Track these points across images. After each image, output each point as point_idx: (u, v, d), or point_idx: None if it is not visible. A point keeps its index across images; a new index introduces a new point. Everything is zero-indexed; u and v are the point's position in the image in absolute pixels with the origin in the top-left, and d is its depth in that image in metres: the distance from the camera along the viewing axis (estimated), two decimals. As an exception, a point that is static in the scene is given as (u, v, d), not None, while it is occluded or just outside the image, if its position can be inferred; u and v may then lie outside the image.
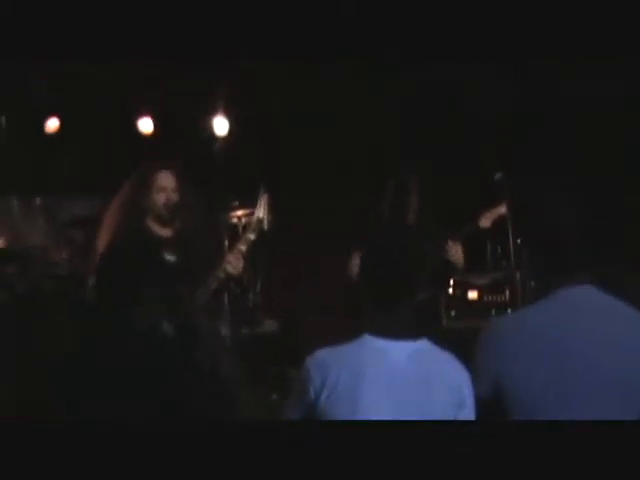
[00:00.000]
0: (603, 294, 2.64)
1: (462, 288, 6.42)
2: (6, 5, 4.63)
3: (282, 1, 4.83)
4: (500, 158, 6.02)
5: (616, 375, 2.48)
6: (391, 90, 6.77)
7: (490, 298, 6.38)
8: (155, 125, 7.31)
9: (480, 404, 2.68)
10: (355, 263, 5.33)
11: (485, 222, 5.41)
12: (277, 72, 6.29)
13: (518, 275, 5.75)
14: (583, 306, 2.58)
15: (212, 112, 7.35)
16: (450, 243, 5.31)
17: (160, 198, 4.56)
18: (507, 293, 6.31)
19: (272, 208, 4.79)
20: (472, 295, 6.42)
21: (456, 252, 5.33)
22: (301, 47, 5.15)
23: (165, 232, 4.64)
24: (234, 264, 4.54)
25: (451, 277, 6.06)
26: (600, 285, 2.63)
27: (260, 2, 4.82)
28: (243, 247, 4.61)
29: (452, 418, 2.69)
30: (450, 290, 6.41)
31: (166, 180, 4.61)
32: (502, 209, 5.38)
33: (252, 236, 4.65)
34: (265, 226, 4.74)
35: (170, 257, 4.54)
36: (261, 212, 4.72)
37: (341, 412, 2.61)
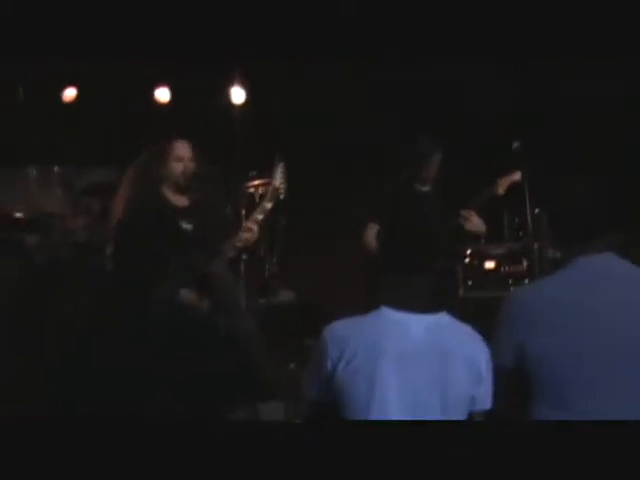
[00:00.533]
0: (624, 261, 2.62)
1: (479, 258, 6.40)
2: (6, 5, 4.64)
3: (282, 1, 4.83)
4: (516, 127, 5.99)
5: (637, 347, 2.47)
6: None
7: (507, 268, 6.36)
8: (172, 94, 7.30)
9: (501, 374, 2.67)
10: (371, 234, 5.33)
11: (499, 189, 5.40)
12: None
13: (535, 245, 5.74)
14: (605, 274, 2.57)
15: (229, 81, 7.33)
16: (466, 212, 5.29)
17: (177, 167, 4.57)
18: (524, 263, 6.29)
19: (288, 177, 4.79)
20: (489, 265, 6.39)
21: (473, 220, 5.32)
22: (301, 47, 5.14)
23: (181, 201, 4.64)
24: (251, 232, 4.54)
25: (468, 247, 6.03)
26: (619, 253, 2.62)
27: (260, 2, 4.82)
28: (260, 216, 4.61)
29: (470, 392, 2.68)
30: (467, 260, 6.39)
31: (183, 149, 4.61)
32: (516, 176, 5.36)
33: (269, 205, 4.65)
34: (282, 195, 4.74)
35: (186, 226, 4.55)
36: (278, 181, 4.72)
37: (358, 385, 2.60)
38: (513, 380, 2.64)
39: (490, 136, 6.71)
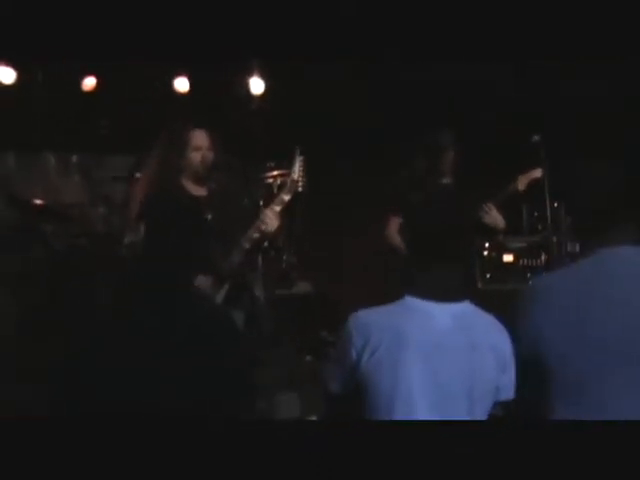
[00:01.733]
0: None
1: (498, 251, 6.39)
2: (6, 5, 4.66)
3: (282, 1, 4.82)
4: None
5: None
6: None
7: (526, 261, 6.35)
8: (191, 84, 7.30)
9: (520, 363, 2.65)
10: (393, 227, 5.34)
11: (521, 185, 5.38)
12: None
13: (554, 238, 5.72)
14: (626, 265, 2.55)
15: (248, 72, 7.33)
16: (487, 207, 5.29)
17: (196, 157, 4.57)
18: (543, 256, 6.27)
19: (308, 169, 4.79)
20: (507, 258, 6.38)
21: (492, 214, 5.31)
22: (301, 47, 5.14)
23: (199, 191, 4.65)
24: (269, 223, 4.54)
25: (488, 241, 6.03)
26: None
27: (260, 2, 4.81)
28: (278, 207, 4.60)
29: (495, 382, 2.67)
30: (486, 253, 6.38)
31: (201, 139, 4.61)
32: (538, 172, 5.35)
33: (287, 197, 4.64)
34: (300, 187, 4.74)
35: (205, 216, 4.56)
36: (296, 173, 4.71)
37: (382, 374, 2.59)
38: (530, 371, 2.62)
39: (508, 131, 6.70)
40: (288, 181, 4.72)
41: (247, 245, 4.55)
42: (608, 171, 2.68)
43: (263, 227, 4.53)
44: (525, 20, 4.86)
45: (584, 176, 2.73)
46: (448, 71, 6.39)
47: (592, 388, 2.47)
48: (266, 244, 4.86)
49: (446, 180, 5.52)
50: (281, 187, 4.88)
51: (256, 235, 4.55)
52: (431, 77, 6.60)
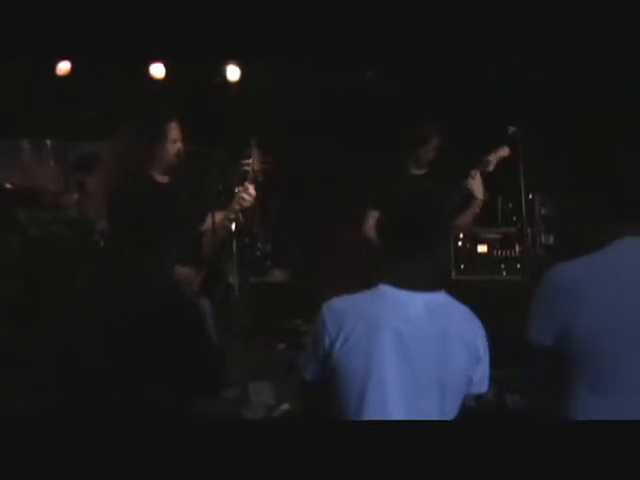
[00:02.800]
0: None
1: (472, 242, 6.41)
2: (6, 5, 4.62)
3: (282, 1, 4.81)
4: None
5: None
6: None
7: (500, 252, 6.37)
8: (167, 70, 7.25)
9: (539, 353, 2.63)
10: (371, 221, 5.36)
11: (504, 152, 5.36)
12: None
13: (528, 230, 5.74)
14: None
15: (224, 59, 7.29)
16: (471, 174, 5.30)
17: (173, 149, 4.58)
18: (517, 248, 6.29)
19: (265, 151, 4.82)
20: (482, 249, 6.40)
21: (477, 181, 5.31)
22: (301, 46, 5.13)
23: (169, 180, 4.66)
24: (247, 196, 4.56)
25: (461, 230, 6.02)
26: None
27: (260, 2, 4.80)
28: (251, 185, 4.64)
29: (467, 375, 2.68)
30: (460, 243, 6.40)
31: (177, 131, 4.62)
32: (504, 151, 5.35)
33: (251, 191, 4.67)
34: (256, 167, 4.76)
35: (177, 205, 4.56)
36: (255, 156, 4.75)
37: (356, 362, 2.60)
38: (548, 360, 2.60)
39: (487, 123, 6.71)
40: (250, 165, 4.75)
41: (222, 232, 4.57)
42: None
43: (238, 206, 4.58)
44: (525, 19, 4.88)
45: (605, 163, 2.71)
46: (425, 64, 6.40)
47: (623, 378, 2.47)
48: (237, 221, 4.83)
49: (422, 171, 5.56)
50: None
51: (232, 215, 4.59)
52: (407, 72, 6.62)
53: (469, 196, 5.36)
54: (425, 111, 6.13)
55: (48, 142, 7.51)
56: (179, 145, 4.60)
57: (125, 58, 6.66)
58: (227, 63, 7.25)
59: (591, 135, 5.69)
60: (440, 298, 2.74)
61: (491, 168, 5.38)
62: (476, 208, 5.52)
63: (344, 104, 7.12)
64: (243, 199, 4.59)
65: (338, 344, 2.62)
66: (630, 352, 2.46)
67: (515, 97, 6.54)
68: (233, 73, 7.30)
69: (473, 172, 5.33)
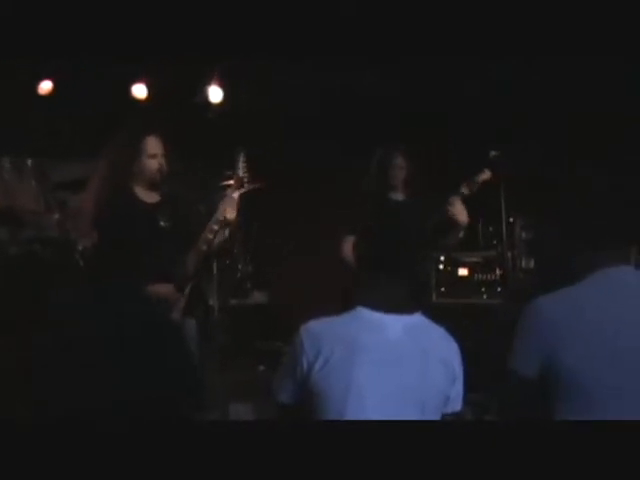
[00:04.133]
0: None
1: (453, 265, 6.43)
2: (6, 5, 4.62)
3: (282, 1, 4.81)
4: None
5: None
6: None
7: (480, 276, 6.39)
8: (149, 91, 7.25)
9: (522, 384, 2.61)
10: (348, 246, 5.33)
11: (486, 175, 5.34)
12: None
13: (509, 254, 5.76)
14: (629, 284, 2.56)
15: (207, 80, 7.29)
16: (451, 200, 5.26)
17: (152, 164, 4.56)
18: (497, 271, 6.32)
19: (253, 168, 4.82)
20: (462, 272, 6.43)
21: (457, 207, 5.26)
22: (301, 46, 5.14)
23: (152, 197, 4.65)
24: (229, 210, 4.55)
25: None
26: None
27: (260, 1, 4.80)
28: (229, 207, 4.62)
29: (445, 393, 2.69)
30: (441, 266, 6.42)
31: (156, 146, 4.61)
32: (486, 175, 5.33)
33: (235, 194, 4.68)
34: (245, 184, 4.76)
35: (159, 222, 4.56)
36: (240, 171, 4.74)
37: (334, 385, 2.59)
38: (533, 390, 2.60)
39: (466, 146, 6.72)
40: (234, 179, 4.74)
41: (204, 247, 4.55)
42: (609, 186, 2.68)
43: (216, 225, 4.55)
44: (526, 18, 4.88)
45: (584, 189, 2.71)
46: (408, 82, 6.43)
47: (604, 408, 2.47)
48: (218, 240, 4.83)
49: (397, 195, 5.53)
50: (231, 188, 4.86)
51: (211, 235, 4.55)
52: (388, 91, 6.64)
53: (451, 220, 5.31)
54: (422, 111, 6.14)
55: (29, 161, 7.48)
56: (160, 160, 4.59)
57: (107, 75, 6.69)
58: (209, 84, 7.26)
59: (591, 138, 5.71)
60: (417, 320, 2.75)
61: (473, 190, 5.37)
62: (458, 233, 5.50)
63: (344, 104, 7.12)
64: (225, 211, 4.57)
65: (317, 367, 2.61)
66: (615, 382, 2.46)
67: (515, 97, 6.57)
68: (215, 95, 7.31)
69: (452, 199, 5.28)
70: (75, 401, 3.10)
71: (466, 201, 5.34)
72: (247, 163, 4.77)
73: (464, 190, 5.31)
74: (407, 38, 5.09)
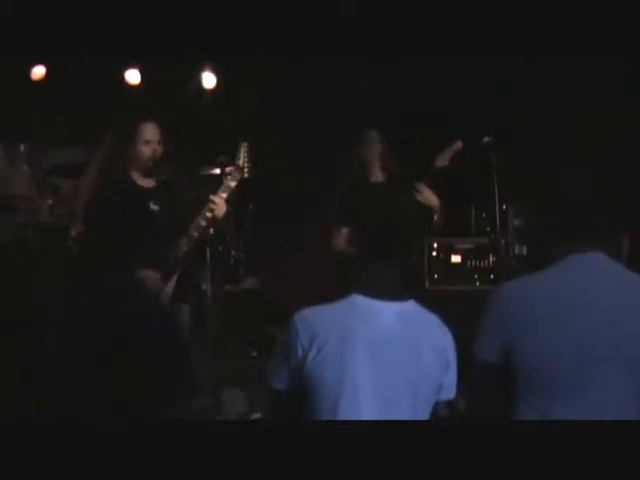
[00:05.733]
0: (613, 261, 2.61)
1: (445, 251, 6.42)
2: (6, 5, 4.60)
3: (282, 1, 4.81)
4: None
5: (631, 342, 2.47)
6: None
7: (473, 263, 6.39)
8: (142, 77, 7.23)
9: (484, 369, 2.64)
10: (341, 235, 5.35)
11: (443, 161, 5.36)
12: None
13: (502, 240, 5.76)
14: (597, 271, 2.56)
15: (200, 66, 7.27)
16: (418, 185, 5.27)
17: (146, 150, 4.58)
18: (490, 258, 6.32)
19: (254, 158, 4.83)
20: (455, 259, 6.42)
21: (425, 193, 5.28)
22: (300, 46, 5.13)
23: (148, 183, 4.67)
24: (216, 209, 4.57)
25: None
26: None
27: (260, 1, 4.79)
28: (224, 194, 4.65)
29: (438, 380, 2.70)
30: (434, 253, 6.41)
31: (152, 132, 4.63)
32: (457, 145, 5.36)
33: (233, 183, 4.72)
34: (246, 174, 4.77)
35: (154, 207, 4.57)
36: (241, 160, 4.76)
37: (329, 372, 2.59)
38: (494, 376, 2.61)
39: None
40: (233, 169, 4.76)
41: (195, 234, 4.57)
42: (587, 177, 2.68)
43: (210, 213, 4.57)
44: (526, 17, 4.88)
45: (560, 180, 2.71)
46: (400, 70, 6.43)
47: (568, 396, 2.48)
48: (212, 231, 4.85)
49: (377, 177, 5.55)
50: (228, 176, 4.88)
51: (204, 222, 4.58)
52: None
53: (423, 207, 5.30)
54: (422, 111, 6.14)
55: (21, 147, 7.46)
56: (154, 146, 4.60)
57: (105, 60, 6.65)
58: (204, 70, 7.24)
59: (591, 138, 5.72)
60: (410, 307, 2.75)
61: (446, 163, 5.36)
62: (433, 217, 5.50)
63: (344, 104, 7.11)
64: (210, 216, 4.59)
65: (311, 354, 2.61)
66: (577, 368, 2.47)
67: (515, 97, 6.56)
68: (209, 80, 7.29)
69: (418, 186, 5.30)
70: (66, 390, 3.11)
71: (434, 184, 5.35)
72: (249, 154, 4.80)
73: (438, 163, 5.33)
74: (407, 38, 5.09)
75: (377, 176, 5.60)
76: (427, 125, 6.01)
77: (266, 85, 7.28)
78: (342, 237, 5.34)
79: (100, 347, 3.96)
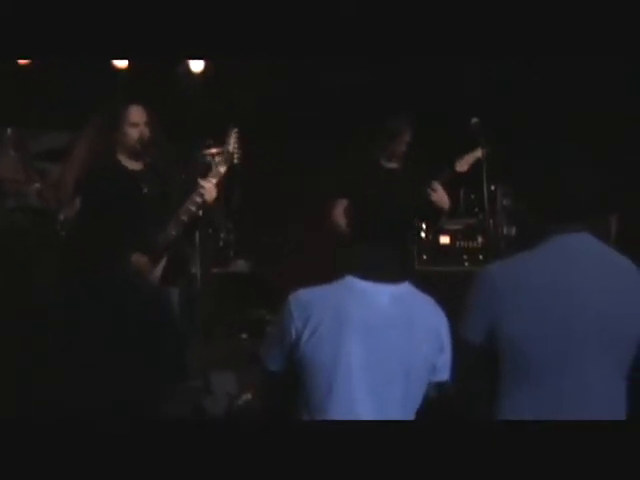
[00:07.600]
0: (599, 242, 2.61)
1: (434, 232, 6.44)
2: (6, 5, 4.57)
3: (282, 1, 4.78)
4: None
5: (615, 324, 2.48)
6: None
7: (462, 243, 6.41)
8: (129, 60, 7.20)
9: (470, 349, 2.63)
10: (339, 209, 5.33)
11: (464, 166, 5.39)
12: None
13: (490, 221, 5.77)
14: (581, 253, 2.56)
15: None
16: (434, 186, 5.28)
17: (133, 133, 4.58)
18: (479, 239, 6.34)
19: (243, 143, 4.82)
20: (444, 240, 6.44)
21: (439, 193, 5.29)
22: (300, 46, 5.11)
23: (135, 165, 4.67)
24: (206, 194, 4.57)
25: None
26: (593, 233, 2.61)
27: (260, 1, 4.77)
28: (214, 179, 4.65)
29: (432, 361, 2.71)
30: (423, 234, 6.43)
31: (138, 115, 4.62)
32: (478, 152, 5.38)
33: (222, 169, 4.71)
34: (236, 159, 4.77)
35: (142, 190, 4.57)
36: (231, 145, 4.76)
37: (323, 353, 2.61)
38: (480, 357, 2.62)
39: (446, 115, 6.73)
40: (223, 154, 4.76)
41: (184, 218, 4.56)
42: (574, 160, 2.69)
43: (199, 198, 4.57)
44: (526, 17, 4.88)
45: (547, 163, 2.71)
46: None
47: (552, 377, 2.48)
48: (201, 213, 4.85)
49: (393, 164, 5.53)
50: (218, 161, 4.87)
51: (193, 207, 4.57)
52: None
53: (434, 205, 5.30)
54: (422, 111, 6.15)
55: (7, 130, 7.43)
56: (142, 129, 4.59)
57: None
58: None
59: (591, 138, 5.74)
60: (404, 289, 2.76)
61: (465, 168, 5.39)
62: (440, 219, 5.52)
63: (344, 104, 7.10)
64: (201, 197, 4.59)
65: (305, 335, 2.63)
66: (561, 349, 2.48)
67: (515, 97, 6.57)
68: (197, 65, 7.26)
69: (434, 184, 5.30)
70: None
71: (450, 184, 5.37)
72: (239, 140, 4.80)
73: (458, 168, 5.35)
74: (407, 38, 5.07)
75: (393, 163, 5.57)
76: (427, 125, 5.98)
77: (266, 85, 7.27)
78: (340, 210, 5.30)
79: (95, 338, 3.96)
